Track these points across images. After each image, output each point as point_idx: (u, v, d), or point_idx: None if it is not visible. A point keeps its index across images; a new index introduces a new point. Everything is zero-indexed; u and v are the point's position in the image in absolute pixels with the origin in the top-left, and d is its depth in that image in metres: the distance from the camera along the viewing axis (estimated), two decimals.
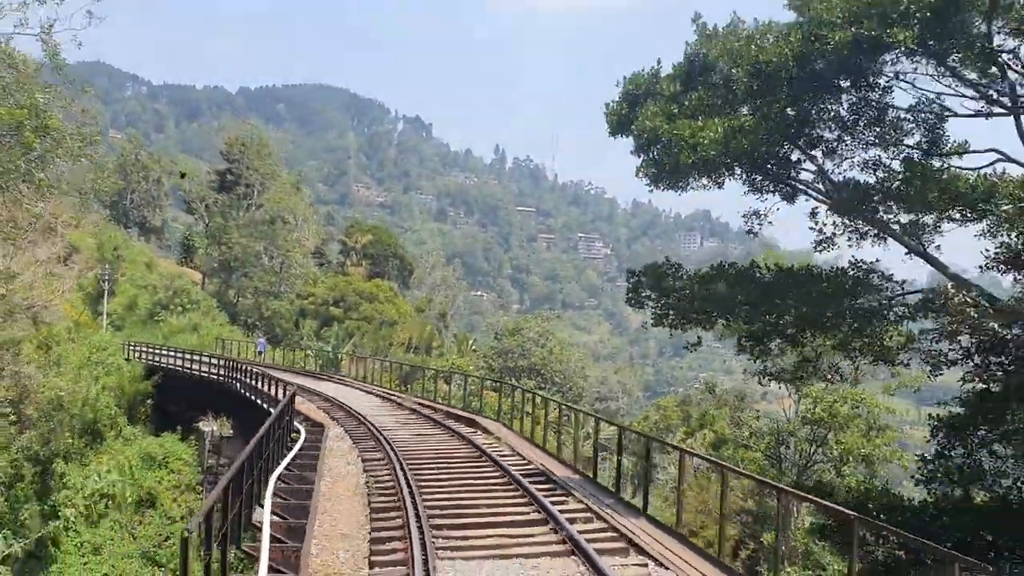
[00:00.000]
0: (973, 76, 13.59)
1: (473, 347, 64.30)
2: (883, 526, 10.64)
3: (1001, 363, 11.41)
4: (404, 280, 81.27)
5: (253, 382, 26.52)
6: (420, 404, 26.32)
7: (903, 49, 11.09)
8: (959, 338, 11.68)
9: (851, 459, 27.93)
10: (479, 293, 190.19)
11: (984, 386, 11.76)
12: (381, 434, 18.70)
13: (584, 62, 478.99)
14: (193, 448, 31.17)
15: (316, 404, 25.14)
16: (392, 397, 28.81)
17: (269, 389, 24.14)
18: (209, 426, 30.57)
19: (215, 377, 31.63)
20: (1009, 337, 11.06)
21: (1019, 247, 12.32)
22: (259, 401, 24.93)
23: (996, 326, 11.21)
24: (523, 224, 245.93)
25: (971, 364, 11.81)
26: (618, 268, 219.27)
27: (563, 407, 22.39)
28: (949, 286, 12.97)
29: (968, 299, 11.71)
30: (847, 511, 9.19)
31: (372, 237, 76.40)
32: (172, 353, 37.80)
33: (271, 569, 9.38)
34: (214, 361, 33.12)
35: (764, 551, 20.15)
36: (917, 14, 10.55)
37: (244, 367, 28.92)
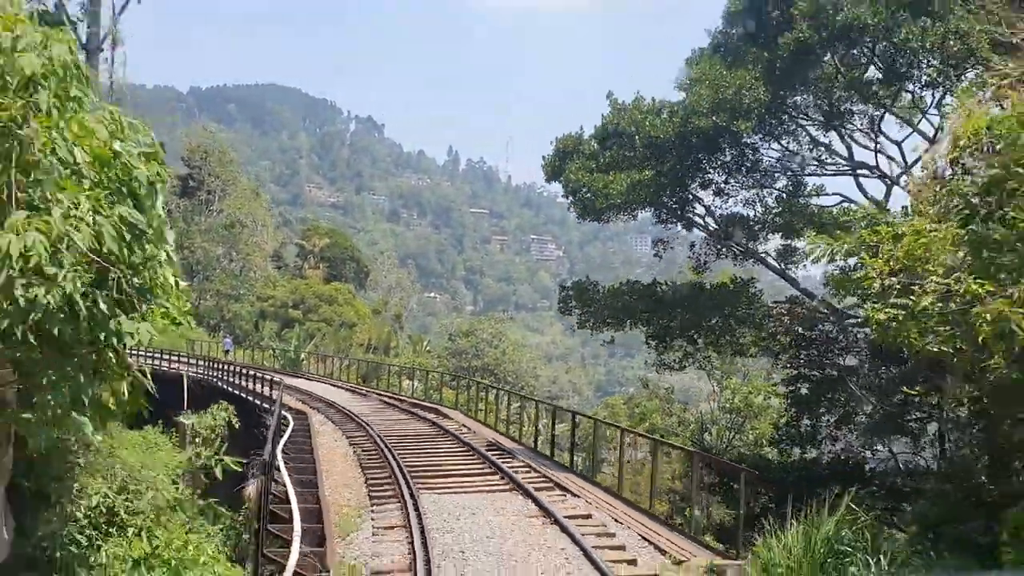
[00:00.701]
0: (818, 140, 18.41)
1: (428, 348, 68.32)
2: (754, 474, 15.13)
3: (809, 355, 16.05)
4: (360, 282, 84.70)
5: (237, 380, 30.21)
6: (386, 397, 30.34)
7: (748, 132, 15.67)
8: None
9: (764, 442, 33.04)
10: (432, 294, 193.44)
11: (796, 371, 16.46)
12: (358, 419, 22.72)
13: (543, 62, 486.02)
14: (174, 441, 34.42)
15: (294, 397, 28.93)
16: (359, 391, 32.73)
17: (253, 385, 27.89)
18: (189, 419, 33.93)
19: (197, 375, 35.09)
20: (812, 336, 15.66)
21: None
22: (243, 395, 28.61)
23: (800, 328, 15.84)
24: (476, 226, 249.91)
25: (788, 356, 16.51)
26: (570, 270, 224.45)
27: (511, 395, 26.67)
28: (797, 298, 17.66)
29: (806, 308, 16.32)
30: (736, 465, 13.64)
31: (329, 240, 79.74)
32: (151, 354, 40.92)
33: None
34: (192, 361, 36.57)
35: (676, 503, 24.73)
36: (755, 110, 15.16)
37: (223, 366, 32.55)
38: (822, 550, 9.46)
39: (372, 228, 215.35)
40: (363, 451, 18.14)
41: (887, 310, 9.04)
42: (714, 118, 15.23)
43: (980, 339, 6.67)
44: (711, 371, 32.94)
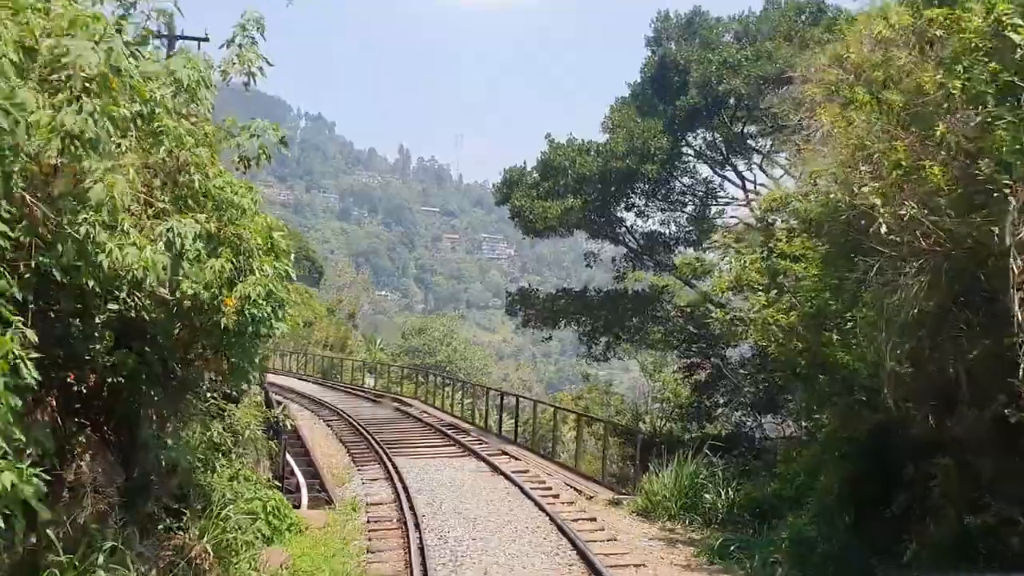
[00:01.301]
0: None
1: (381, 346, 71.70)
2: (645, 436, 19.32)
3: (700, 347, 20.38)
4: (315, 281, 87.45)
5: None
6: (349, 389, 33.97)
7: (653, 173, 19.97)
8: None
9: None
10: (383, 293, 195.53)
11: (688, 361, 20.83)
12: (331, 406, 26.38)
13: (495, 61, 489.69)
14: None
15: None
16: (325, 384, 36.26)
17: None
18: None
19: None
20: (702, 332, 19.97)
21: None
22: None
23: (691, 327, 20.16)
24: (427, 224, 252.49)
25: (683, 349, 20.92)
26: (522, 268, 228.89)
27: (465, 386, 30.55)
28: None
29: (700, 310, 20.62)
30: (633, 429, 17.75)
31: None
32: None
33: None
34: None
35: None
36: (659, 155, 19.47)
37: None
38: (686, 483, 13.68)
39: (323, 226, 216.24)
40: (341, 431, 21.87)
41: (729, 315, 13.31)
42: (627, 160, 19.46)
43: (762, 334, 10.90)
44: (645, 366, 37.40)
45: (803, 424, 13.82)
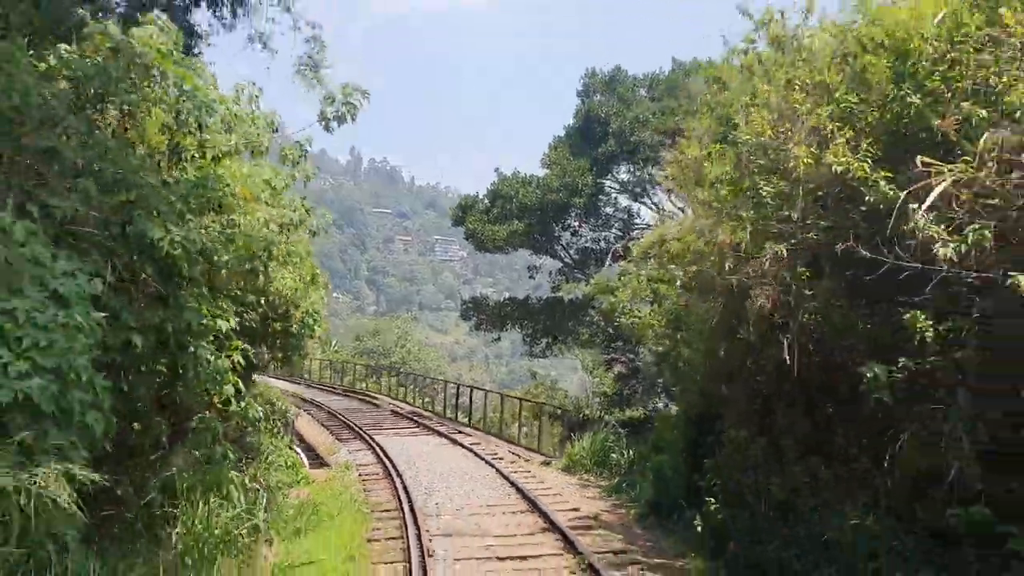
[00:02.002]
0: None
1: (336, 348, 75.28)
2: (569, 412, 24.04)
3: (617, 345, 25.22)
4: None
5: None
6: (317, 386, 38.06)
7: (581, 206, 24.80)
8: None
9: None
10: (335, 295, 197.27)
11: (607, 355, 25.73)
12: (307, 399, 30.50)
13: (447, 62, 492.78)
14: None
15: None
16: (294, 381, 40.19)
17: None
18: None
19: None
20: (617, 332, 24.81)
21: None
22: None
23: (610, 328, 25.01)
24: (380, 226, 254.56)
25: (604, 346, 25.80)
26: (474, 271, 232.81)
27: (426, 379, 34.98)
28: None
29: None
30: (560, 408, 22.45)
31: None
32: None
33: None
34: None
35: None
36: (585, 191, 24.29)
37: None
38: (598, 447, 18.41)
39: None
40: (321, 418, 26.11)
41: (630, 319, 18.10)
42: (560, 194, 24.25)
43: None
44: (585, 364, 42.28)
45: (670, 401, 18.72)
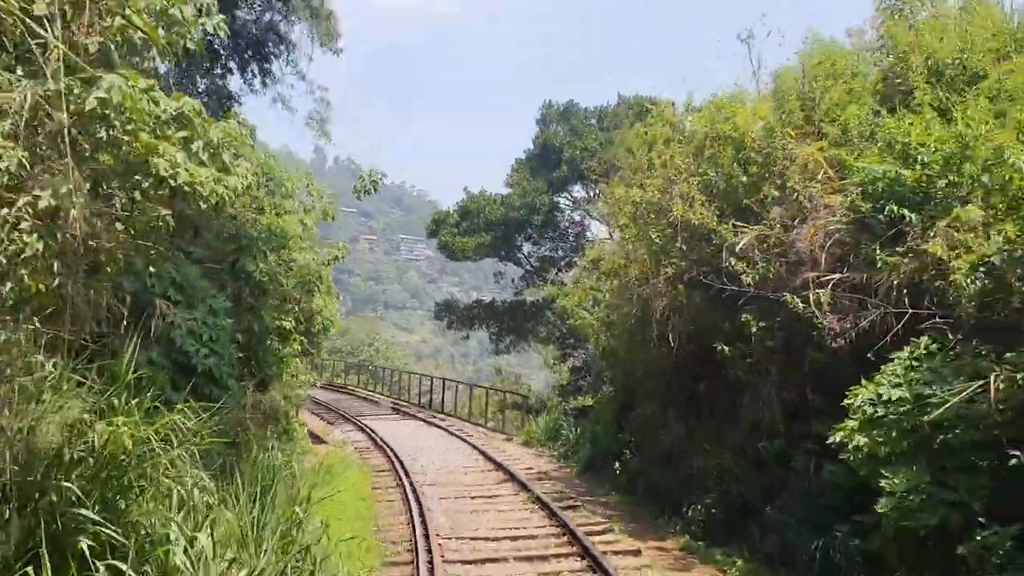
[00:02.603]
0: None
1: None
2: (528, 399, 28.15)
3: (569, 342, 29.38)
4: None
5: None
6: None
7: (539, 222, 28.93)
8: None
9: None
10: None
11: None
12: None
13: (410, 65, 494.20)
14: None
15: None
16: None
17: None
18: None
19: None
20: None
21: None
22: None
23: (564, 328, 29.16)
24: (344, 225, 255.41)
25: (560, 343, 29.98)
26: (440, 270, 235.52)
27: (401, 374, 38.90)
28: None
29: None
30: (521, 395, 26.52)
31: None
32: None
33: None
34: None
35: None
36: (542, 208, 28.44)
37: None
38: (551, 426, 22.52)
39: None
40: (309, 406, 29.85)
41: (577, 320, 22.24)
42: (521, 211, 28.35)
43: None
44: (547, 360, 46.46)
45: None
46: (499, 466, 17.38)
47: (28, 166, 4.85)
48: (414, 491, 14.35)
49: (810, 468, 10.26)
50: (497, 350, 32.54)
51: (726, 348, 11.92)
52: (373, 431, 22.68)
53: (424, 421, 25.82)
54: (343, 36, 17.85)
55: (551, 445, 21.99)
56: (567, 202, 30.74)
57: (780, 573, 10.09)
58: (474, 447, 20.23)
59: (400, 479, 15.79)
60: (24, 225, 4.88)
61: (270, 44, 17.16)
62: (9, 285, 4.88)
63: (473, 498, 14.48)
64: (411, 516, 12.32)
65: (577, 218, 31.28)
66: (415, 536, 11.25)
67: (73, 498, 4.69)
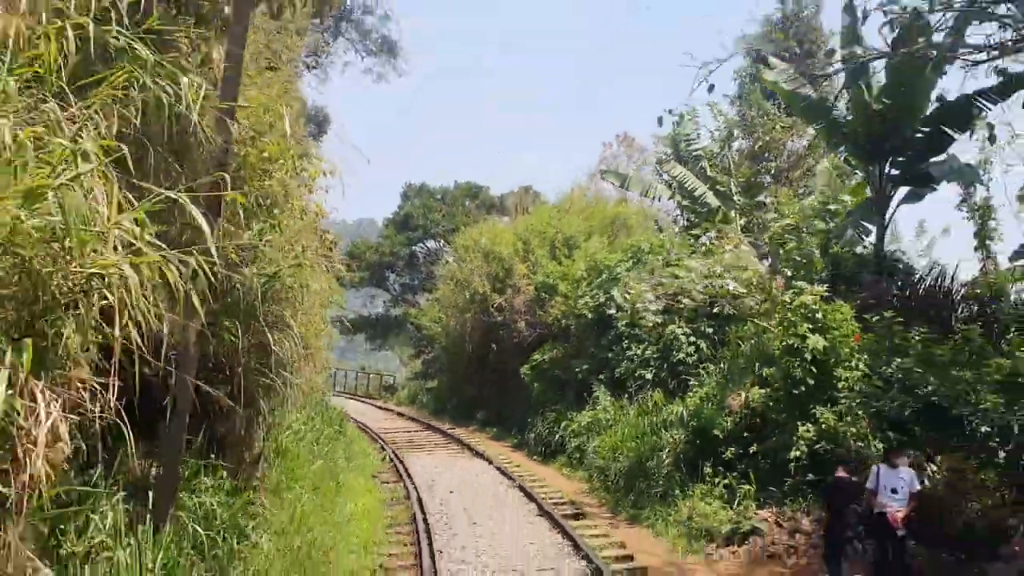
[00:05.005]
0: None
1: None
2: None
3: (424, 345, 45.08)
4: None
5: None
6: None
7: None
8: None
9: None
10: None
11: None
12: None
13: None
14: None
15: None
16: None
17: None
18: None
19: None
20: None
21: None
22: None
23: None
24: None
25: None
26: None
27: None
28: None
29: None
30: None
31: None
32: None
33: None
34: None
35: None
36: (404, 254, 44.09)
37: None
38: (413, 394, 38.34)
39: None
40: None
41: (431, 332, 38.29)
42: (389, 256, 43.79)
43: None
44: (403, 357, 62.01)
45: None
46: (389, 411, 33.05)
47: None
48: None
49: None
50: (370, 348, 47.65)
51: (494, 346, 28.31)
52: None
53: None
54: None
55: (410, 404, 37.80)
56: (422, 248, 46.35)
57: (519, 435, 26.35)
58: (374, 405, 35.67)
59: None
60: None
61: None
62: None
63: (383, 420, 30.04)
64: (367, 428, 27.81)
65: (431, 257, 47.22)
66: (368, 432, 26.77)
67: None
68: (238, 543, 8.30)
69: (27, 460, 4.67)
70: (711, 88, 12.74)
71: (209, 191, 6.77)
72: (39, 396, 4.72)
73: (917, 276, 16.54)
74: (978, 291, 15.09)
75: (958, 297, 15.41)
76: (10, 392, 4.45)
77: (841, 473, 10.11)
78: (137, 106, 5.87)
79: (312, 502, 11.22)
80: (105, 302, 5.04)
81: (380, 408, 35.73)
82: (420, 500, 14.35)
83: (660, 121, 16.78)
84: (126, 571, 5.55)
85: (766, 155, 22.22)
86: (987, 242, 17.12)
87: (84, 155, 5.00)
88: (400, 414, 32.82)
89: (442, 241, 45.43)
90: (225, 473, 8.98)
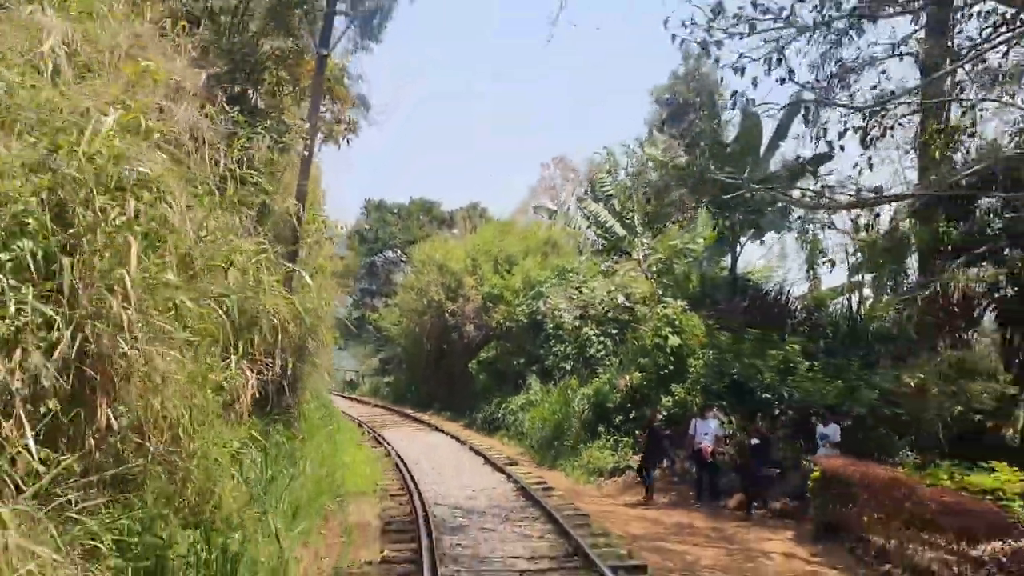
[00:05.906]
0: None
1: None
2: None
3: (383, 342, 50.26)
4: None
5: None
6: None
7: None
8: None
9: None
10: None
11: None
12: None
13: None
14: None
15: None
16: None
17: None
18: None
19: None
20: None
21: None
22: None
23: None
24: None
25: None
26: None
27: None
28: None
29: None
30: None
31: None
32: None
33: None
34: None
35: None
36: (365, 264, 49.25)
37: None
38: (374, 388, 43.61)
39: None
40: None
41: (393, 332, 43.61)
42: (360, 268, 48.96)
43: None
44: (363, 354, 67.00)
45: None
46: (356, 401, 38.28)
47: None
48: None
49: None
50: (343, 347, 52.80)
51: (447, 346, 33.85)
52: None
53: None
54: None
55: (374, 394, 43.05)
56: (381, 259, 51.48)
57: (469, 416, 31.82)
58: (342, 396, 40.83)
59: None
60: None
61: None
62: None
63: (355, 407, 35.24)
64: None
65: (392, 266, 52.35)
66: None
67: None
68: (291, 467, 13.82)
69: (242, 398, 10.09)
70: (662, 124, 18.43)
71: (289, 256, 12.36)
72: (245, 369, 10.16)
73: (764, 292, 22.64)
74: (806, 303, 21.33)
75: (792, 308, 21.57)
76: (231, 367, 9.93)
77: (656, 424, 16.00)
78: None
79: (326, 450, 16.66)
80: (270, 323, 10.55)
81: (348, 399, 40.90)
82: (400, 456, 19.81)
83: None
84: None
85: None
86: (814, 266, 23.38)
87: (264, 250, 10.50)
88: (366, 403, 38.09)
89: (399, 251, 50.73)
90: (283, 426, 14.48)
